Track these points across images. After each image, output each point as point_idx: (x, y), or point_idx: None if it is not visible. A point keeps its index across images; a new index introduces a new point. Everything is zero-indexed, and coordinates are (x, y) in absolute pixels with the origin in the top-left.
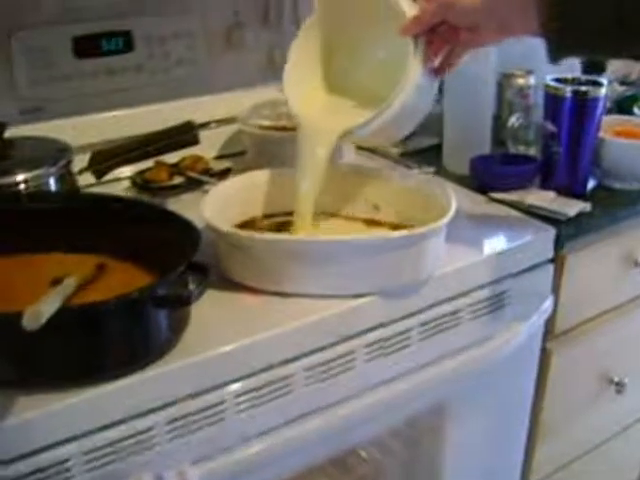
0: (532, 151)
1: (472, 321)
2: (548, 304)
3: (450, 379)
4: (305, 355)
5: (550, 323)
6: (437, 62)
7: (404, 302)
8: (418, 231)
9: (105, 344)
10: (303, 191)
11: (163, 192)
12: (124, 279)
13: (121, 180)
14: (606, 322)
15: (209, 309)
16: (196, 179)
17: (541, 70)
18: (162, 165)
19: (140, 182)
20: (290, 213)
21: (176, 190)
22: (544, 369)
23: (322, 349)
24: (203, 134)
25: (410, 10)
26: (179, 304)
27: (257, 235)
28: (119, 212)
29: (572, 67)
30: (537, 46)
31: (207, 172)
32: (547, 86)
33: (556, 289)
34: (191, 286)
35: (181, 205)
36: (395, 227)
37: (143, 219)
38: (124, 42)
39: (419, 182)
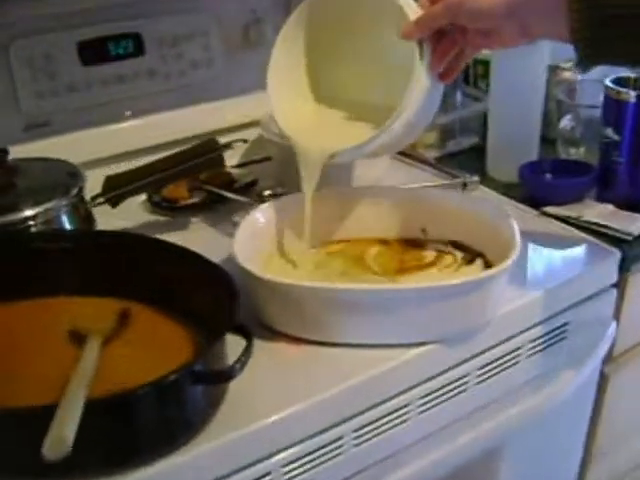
0: (581, 153)
1: (531, 357)
2: (611, 332)
3: (510, 426)
4: (355, 416)
5: (609, 347)
6: (443, 67)
7: (464, 348)
8: (481, 276)
9: (137, 430)
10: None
11: (184, 211)
12: (151, 329)
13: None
14: None
15: (248, 366)
16: (219, 194)
17: None
18: (180, 181)
19: (157, 200)
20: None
21: (198, 208)
22: (601, 394)
23: (373, 407)
24: (228, 140)
25: (413, 11)
26: (219, 381)
27: (303, 284)
28: (140, 251)
29: None
30: None
31: (231, 185)
32: (608, 89)
33: (618, 313)
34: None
35: (204, 226)
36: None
37: (167, 260)
38: (134, 45)
39: (477, 206)
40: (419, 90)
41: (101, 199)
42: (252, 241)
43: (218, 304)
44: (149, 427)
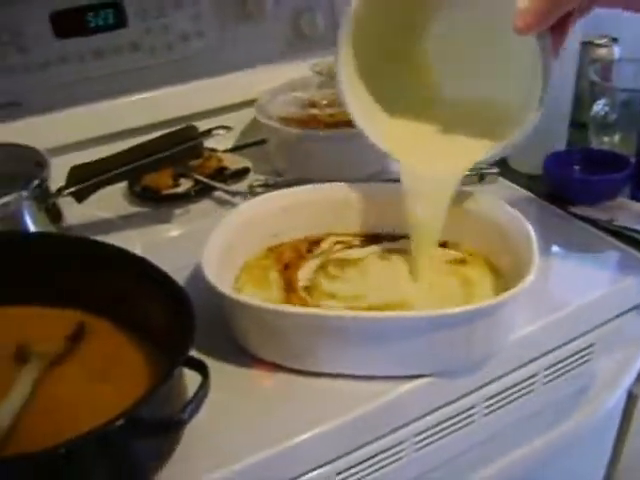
0: (616, 142)
1: (549, 384)
2: None
3: (524, 461)
4: (339, 457)
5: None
6: None
7: (467, 380)
8: (486, 304)
9: None
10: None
11: (166, 202)
12: (105, 349)
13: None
14: None
15: (211, 394)
16: (207, 184)
17: (629, 37)
18: None
19: (138, 190)
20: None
21: (182, 199)
22: (627, 415)
23: (361, 447)
24: (215, 122)
25: None
26: (168, 430)
27: (281, 308)
28: (99, 261)
29: None
30: None
31: (221, 172)
32: None
33: None
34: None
35: (188, 218)
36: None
37: (125, 272)
38: (114, 16)
39: (496, 214)
40: (546, 85)
41: (66, 192)
42: (228, 247)
43: (174, 332)
44: None
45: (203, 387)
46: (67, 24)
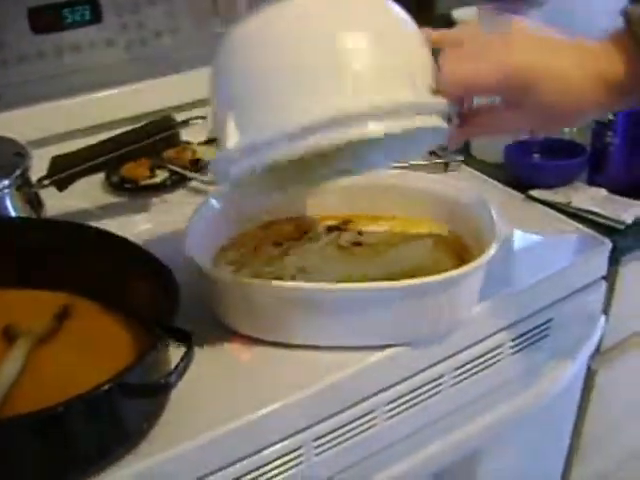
0: (573, 132)
1: (512, 357)
2: (599, 327)
3: (490, 428)
4: (314, 425)
5: (597, 342)
6: None
7: (434, 350)
8: (453, 274)
9: (63, 448)
10: None
11: (143, 192)
12: (92, 328)
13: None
14: None
15: (193, 366)
16: (183, 175)
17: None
18: (141, 158)
19: (116, 180)
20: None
21: (159, 189)
22: (587, 389)
23: (335, 415)
24: (189, 115)
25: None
26: (153, 394)
27: (256, 282)
28: (84, 243)
29: None
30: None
31: (196, 163)
32: None
33: (606, 307)
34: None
35: (164, 207)
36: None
37: (109, 252)
38: (90, 12)
39: (458, 192)
40: None
41: (47, 181)
42: (206, 230)
43: (158, 303)
44: (77, 445)
45: (188, 354)
46: (44, 20)
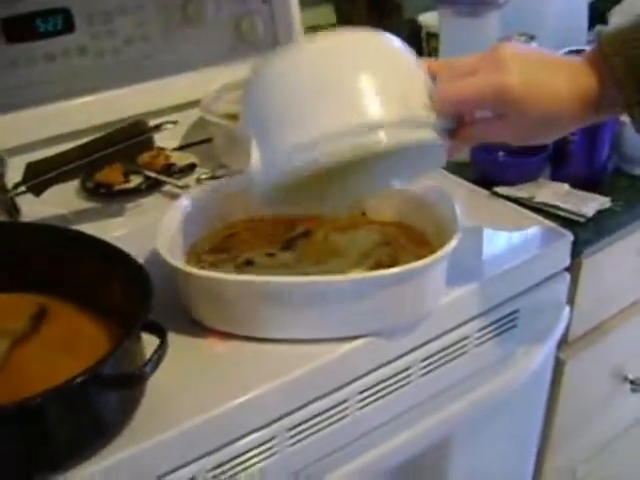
0: None
1: (480, 347)
2: (564, 317)
3: (459, 417)
4: (287, 415)
5: (564, 333)
6: None
7: (402, 341)
8: (417, 265)
9: (40, 441)
10: None
11: (118, 197)
12: (69, 328)
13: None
14: (622, 321)
15: (168, 363)
16: (157, 179)
17: (545, 35)
18: (115, 164)
19: (91, 186)
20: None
21: (134, 194)
22: (557, 379)
23: (307, 405)
24: (162, 121)
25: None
26: (128, 385)
27: (226, 277)
28: (58, 244)
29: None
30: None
31: (169, 168)
32: None
33: (571, 298)
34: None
35: (139, 211)
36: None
37: (85, 253)
38: (63, 21)
39: (418, 187)
40: None
41: (23, 187)
42: (179, 230)
43: (132, 301)
44: (53, 437)
45: (162, 346)
46: (18, 29)
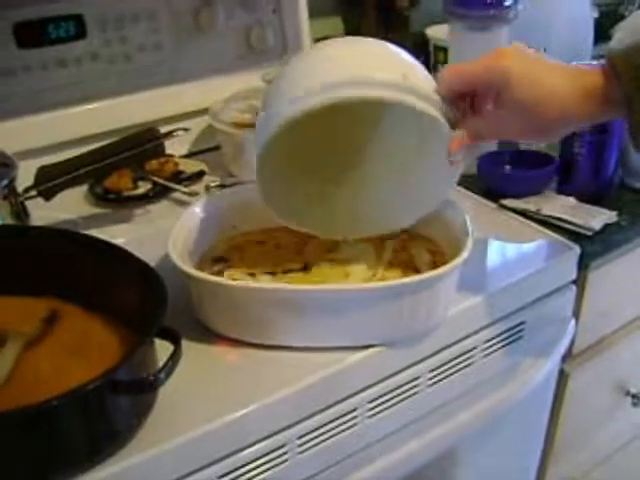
0: (542, 144)
1: (486, 358)
2: (569, 330)
3: (465, 428)
4: (298, 422)
5: (569, 345)
6: None
7: (411, 351)
8: (429, 275)
9: (55, 444)
10: None
11: (127, 203)
12: (81, 332)
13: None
14: (626, 335)
15: (181, 369)
16: (165, 186)
17: (553, 50)
18: (124, 170)
19: (99, 192)
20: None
21: (142, 200)
22: (560, 392)
23: (317, 413)
24: (171, 129)
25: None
26: (142, 391)
27: (239, 284)
28: (70, 248)
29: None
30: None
31: (178, 175)
32: None
33: (577, 311)
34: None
35: (147, 218)
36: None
37: (97, 258)
38: (75, 27)
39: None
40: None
41: (33, 192)
42: (190, 237)
43: (147, 306)
44: (67, 441)
45: (176, 353)
46: (30, 34)
